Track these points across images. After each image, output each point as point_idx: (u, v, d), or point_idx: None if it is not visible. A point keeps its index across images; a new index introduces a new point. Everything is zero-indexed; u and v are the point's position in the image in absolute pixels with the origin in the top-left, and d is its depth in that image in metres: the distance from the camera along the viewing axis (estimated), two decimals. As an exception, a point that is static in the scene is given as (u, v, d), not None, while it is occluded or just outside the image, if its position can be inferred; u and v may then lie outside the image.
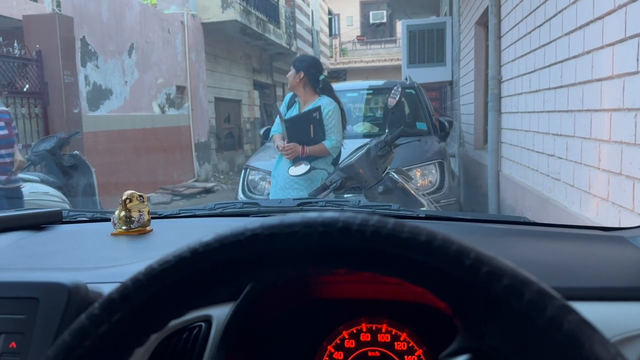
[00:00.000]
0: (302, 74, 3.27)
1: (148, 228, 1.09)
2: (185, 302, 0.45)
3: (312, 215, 0.42)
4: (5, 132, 4.19)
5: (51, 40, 6.62)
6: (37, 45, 6.55)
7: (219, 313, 0.68)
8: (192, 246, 0.42)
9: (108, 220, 1.19)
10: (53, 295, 0.64)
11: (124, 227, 1.07)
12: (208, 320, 0.68)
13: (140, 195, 1.08)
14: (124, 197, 1.07)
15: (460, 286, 0.40)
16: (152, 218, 1.15)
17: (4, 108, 4.34)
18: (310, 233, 0.41)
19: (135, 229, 1.06)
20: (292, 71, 3.28)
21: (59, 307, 0.63)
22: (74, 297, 0.64)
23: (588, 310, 0.65)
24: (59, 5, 7.96)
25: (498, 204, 4.47)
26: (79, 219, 1.29)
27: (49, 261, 0.88)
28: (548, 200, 3.00)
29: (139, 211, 1.07)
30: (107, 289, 0.69)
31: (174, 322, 0.46)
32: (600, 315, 0.65)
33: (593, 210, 2.29)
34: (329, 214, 0.42)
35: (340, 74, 22.80)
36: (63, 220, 1.23)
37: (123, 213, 1.06)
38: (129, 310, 0.42)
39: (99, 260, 0.87)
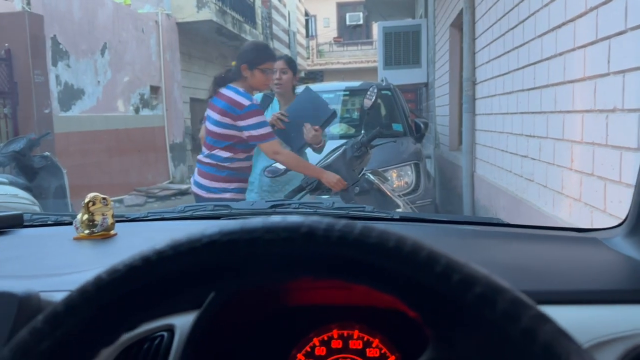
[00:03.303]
0: (297, 77, 3.18)
1: (112, 232, 1.05)
2: (138, 313, 0.42)
3: (274, 219, 0.39)
4: None
5: (20, 39, 6.45)
6: (6, 44, 6.38)
7: (183, 322, 0.64)
8: (145, 254, 0.39)
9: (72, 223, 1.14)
10: (2, 306, 0.60)
11: (86, 231, 1.02)
12: (170, 329, 0.64)
13: (104, 198, 1.04)
14: (86, 200, 1.02)
15: (431, 294, 0.37)
16: (118, 221, 1.11)
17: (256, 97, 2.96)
18: (272, 239, 0.38)
19: (98, 233, 1.02)
20: (290, 73, 3.05)
21: (9, 317, 0.59)
22: (24, 307, 0.60)
23: (562, 314, 0.64)
24: (28, 4, 7.77)
25: (473, 205, 4.50)
26: (42, 222, 1.24)
27: (3, 268, 0.83)
28: (522, 201, 3.03)
29: (103, 214, 1.03)
30: (60, 298, 0.65)
31: (127, 336, 0.42)
32: (575, 319, 0.64)
33: (566, 211, 2.31)
34: (292, 218, 0.39)
35: (317, 75, 22.81)
36: (24, 224, 1.17)
37: (86, 216, 1.02)
38: (75, 324, 0.39)
39: (58, 266, 0.82)
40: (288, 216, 0.40)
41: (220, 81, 2.70)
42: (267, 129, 2.65)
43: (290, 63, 3.15)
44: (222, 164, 2.68)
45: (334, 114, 3.08)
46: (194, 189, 2.80)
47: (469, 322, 0.36)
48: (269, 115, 3.13)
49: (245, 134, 2.62)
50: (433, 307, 0.38)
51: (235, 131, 2.62)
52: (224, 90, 2.63)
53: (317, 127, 2.90)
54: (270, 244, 0.38)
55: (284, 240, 0.38)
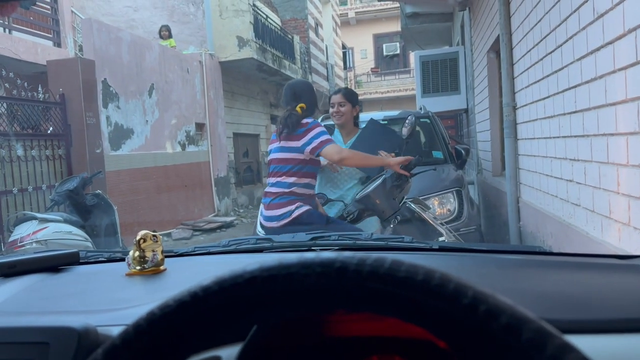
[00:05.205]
0: (357, 108, 3.35)
1: (162, 267, 1.10)
2: (188, 345, 0.45)
3: (309, 256, 0.42)
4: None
5: (74, 84, 6.83)
6: (60, 89, 6.76)
7: (228, 354, 0.67)
8: (192, 290, 0.43)
9: (125, 260, 1.20)
10: (63, 340, 0.65)
11: (138, 267, 1.08)
12: (217, 361, 0.68)
13: (154, 235, 1.10)
14: (137, 238, 1.08)
15: (459, 325, 0.39)
16: (167, 256, 1.16)
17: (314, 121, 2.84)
18: (307, 274, 0.41)
19: (149, 269, 1.08)
20: (349, 105, 3.25)
21: (69, 351, 0.64)
22: (83, 341, 0.65)
23: (603, 343, 0.64)
24: (81, 50, 8.24)
25: (519, 232, 4.40)
26: (96, 259, 1.31)
27: (63, 304, 0.89)
28: (569, 226, 2.94)
29: (153, 251, 1.08)
30: (117, 332, 0.70)
31: (177, 366, 0.46)
32: (617, 347, 0.64)
33: (615, 236, 2.24)
34: (326, 255, 0.42)
35: (356, 106, 22.95)
36: (80, 261, 1.24)
37: (137, 253, 1.08)
38: (131, 357, 0.43)
39: (112, 301, 0.87)
40: (322, 252, 0.43)
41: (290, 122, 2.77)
42: (325, 137, 2.70)
43: (348, 95, 3.30)
44: (286, 189, 2.74)
45: (403, 141, 3.21)
46: (263, 222, 2.87)
47: (496, 352, 0.38)
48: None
49: (307, 149, 2.69)
50: (461, 336, 0.39)
51: (297, 154, 2.73)
52: None
53: (392, 153, 3.02)
54: (305, 279, 0.41)
55: (318, 275, 0.41)
